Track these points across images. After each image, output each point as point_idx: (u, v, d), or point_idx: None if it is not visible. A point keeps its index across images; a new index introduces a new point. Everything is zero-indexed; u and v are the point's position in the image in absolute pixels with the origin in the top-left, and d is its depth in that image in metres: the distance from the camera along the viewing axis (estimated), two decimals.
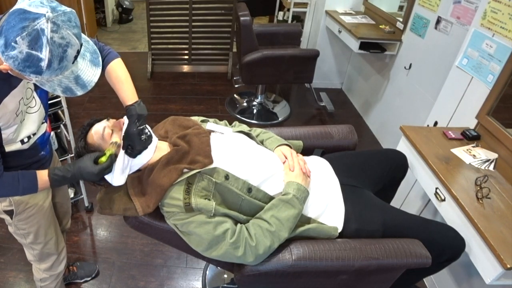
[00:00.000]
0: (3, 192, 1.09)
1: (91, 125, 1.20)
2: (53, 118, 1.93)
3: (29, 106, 1.10)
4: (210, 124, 1.38)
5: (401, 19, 2.65)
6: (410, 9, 2.50)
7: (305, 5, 4.09)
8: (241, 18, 2.82)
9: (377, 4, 3.11)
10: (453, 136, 1.54)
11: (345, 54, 3.59)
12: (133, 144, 1.09)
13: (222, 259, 1.10)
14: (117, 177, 1.14)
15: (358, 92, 3.49)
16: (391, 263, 1.12)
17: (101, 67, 0.95)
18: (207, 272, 1.91)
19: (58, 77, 0.84)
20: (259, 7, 4.83)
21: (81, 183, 2.14)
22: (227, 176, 1.13)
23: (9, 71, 0.84)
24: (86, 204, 2.24)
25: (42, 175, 1.07)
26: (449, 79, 1.77)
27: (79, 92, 0.89)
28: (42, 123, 1.18)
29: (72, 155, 1.82)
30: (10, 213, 1.23)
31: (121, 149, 1.12)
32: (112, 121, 1.19)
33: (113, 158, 1.11)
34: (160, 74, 4.06)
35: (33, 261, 1.46)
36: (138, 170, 1.20)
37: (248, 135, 1.38)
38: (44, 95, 1.17)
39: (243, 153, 1.24)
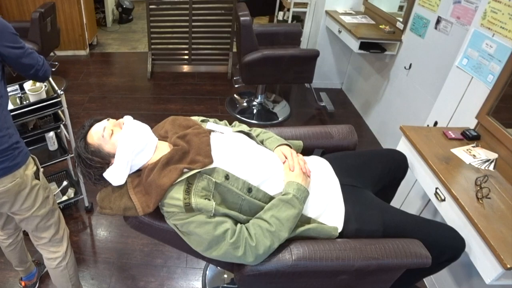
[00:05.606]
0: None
1: (91, 125, 1.20)
2: (53, 118, 1.93)
3: None
4: (210, 124, 1.38)
5: (401, 19, 2.65)
6: (410, 9, 2.50)
7: (305, 5, 4.09)
8: (241, 18, 2.82)
9: (377, 4, 3.11)
10: (453, 136, 1.54)
11: (345, 54, 3.59)
12: None
13: (222, 259, 1.10)
14: (117, 177, 1.14)
15: (358, 92, 3.49)
16: (391, 263, 1.12)
17: None
18: (207, 272, 1.91)
19: None
20: (259, 7, 4.83)
21: (81, 183, 2.13)
22: (227, 176, 1.13)
23: None
24: (86, 204, 2.24)
25: None
26: (449, 79, 1.77)
27: None
28: None
29: (72, 155, 1.82)
30: (37, 172, 1.34)
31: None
32: (112, 121, 1.20)
33: None
34: (160, 74, 4.06)
35: (53, 231, 1.47)
36: (138, 170, 1.20)
37: (248, 135, 1.38)
38: None
39: (243, 153, 1.24)
